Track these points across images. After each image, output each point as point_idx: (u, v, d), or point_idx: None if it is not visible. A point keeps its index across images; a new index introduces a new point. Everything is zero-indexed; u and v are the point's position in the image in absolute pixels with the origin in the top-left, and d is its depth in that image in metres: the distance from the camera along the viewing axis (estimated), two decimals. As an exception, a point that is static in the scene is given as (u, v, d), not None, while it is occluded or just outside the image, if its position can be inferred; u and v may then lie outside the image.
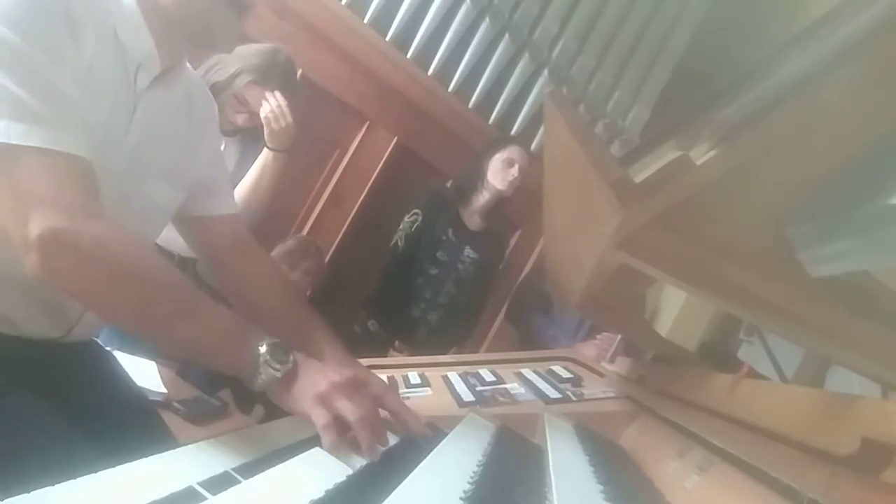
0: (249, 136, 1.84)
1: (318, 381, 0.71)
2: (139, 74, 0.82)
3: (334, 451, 0.66)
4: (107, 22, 0.77)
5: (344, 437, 0.67)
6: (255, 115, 1.74)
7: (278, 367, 0.70)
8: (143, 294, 0.70)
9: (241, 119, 1.75)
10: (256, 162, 1.82)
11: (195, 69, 1.02)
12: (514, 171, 2.17)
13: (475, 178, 2.22)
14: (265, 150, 1.81)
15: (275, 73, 1.73)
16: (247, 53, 1.73)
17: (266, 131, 1.75)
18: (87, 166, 0.71)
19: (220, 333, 0.72)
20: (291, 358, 0.72)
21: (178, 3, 0.80)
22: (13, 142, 0.67)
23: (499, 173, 2.17)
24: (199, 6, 0.81)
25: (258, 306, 0.99)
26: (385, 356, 1.97)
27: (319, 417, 0.67)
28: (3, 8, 0.68)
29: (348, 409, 0.68)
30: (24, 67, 0.68)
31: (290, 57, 1.81)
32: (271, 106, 1.72)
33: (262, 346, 0.71)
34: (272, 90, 1.72)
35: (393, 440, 0.77)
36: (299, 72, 1.93)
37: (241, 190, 1.83)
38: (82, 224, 0.68)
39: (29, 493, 0.44)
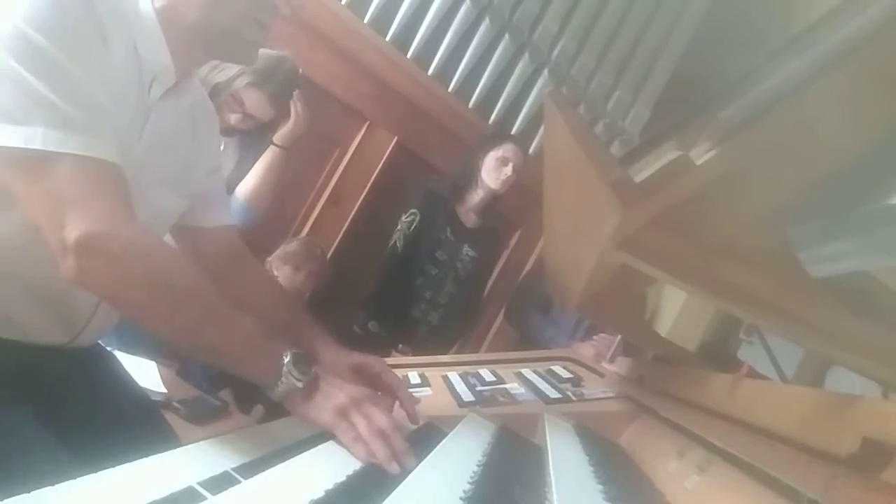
0: (248, 138, 1.86)
1: (337, 394, 0.74)
2: (153, 85, 0.83)
3: (369, 461, 0.68)
4: (128, 33, 0.78)
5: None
6: (248, 116, 1.76)
7: (300, 377, 0.73)
8: (172, 299, 0.72)
9: (234, 119, 1.75)
10: (261, 160, 1.86)
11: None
12: (508, 170, 2.16)
13: (470, 175, 2.22)
14: (271, 147, 1.86)
15: (275, 78, 1.75)
16: None
17: (289, 128, 1.86)
18: (119, 172, 0.73)
19: (245, 341, 0.74)
20: (312, 370, 0.75)
21: (203, 20, 0.81)
22: (50, 149, 0.68)
23: (492, 172, 2.16)
24: (225, 23, 0.82)
25: (253, 313, 1.01)
26: (387, 357, 1.97)
27: (346, 433, 0.71)
28: (35, 14, 0.69)
29: (363, 426, 0.71)
30: (57, 74, 0.69)
31: (295, 67, 1.84)
32: (301, 107, 1.86)
33: (286, 355, 0.73)
34: (269, 93, 1.74)
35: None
36: (299, 71, 1.93)
37: (246, 188, 1.85)
38: (117, 229, 0.70)
39: (29, 492, 0.44)
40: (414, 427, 0.89)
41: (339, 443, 0.71)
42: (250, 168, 1.87)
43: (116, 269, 0.70)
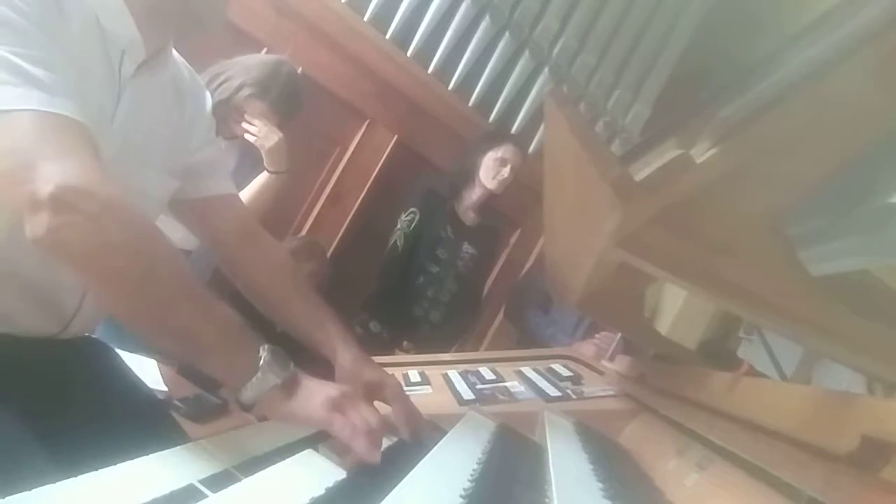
0: (250, 143, 1.84)
1: (325, 388, 0.70)
2: (123, 61, 0.79)
3: (371, 457, 0.65)
4: (88, 6, 0.74)
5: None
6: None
7: (280, 373, 0.67)
8: (148, 267, 0.64)
9: (241, 130, 1.75)
10: (255, 181, 1.80)
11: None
12: (506, 171, 2.17)
13: (467, 174, 2.23)
14: (265, 172, 1.79)
15: (275, 86, 1.73)
16: (251, 65, 1.74)
17: (263, 154, 1.75)
18: (89, 132, 0.66)
19: (220, 327, 0.68)
20: (291, 366, 0.69)
21: None
22: (11, 106, 0.62)
23: (490, 172, 2.18)
24: None
25: (268, 294, 0.98)
26: (391, 355, 1.97)
27: (344, 429, 0.66)
28: None
29: (361, 422, 0.67)
30: (17, 37, 0.64)
31: (294, 70, 1.81)
32: (255, 129, 1.72)
33: (263, 349, 0.68)
34: (271, 101, 1.72)
35: (393, 438, 0.78)
36: (299, 69, 1.93)
37: None
38: (95, 186, 0.62)
39: (30, 490, 0.44)
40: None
41: (334, 443, 0.69)
42: (246, 174, 1.82)
43: (93, 229, 0.61)
